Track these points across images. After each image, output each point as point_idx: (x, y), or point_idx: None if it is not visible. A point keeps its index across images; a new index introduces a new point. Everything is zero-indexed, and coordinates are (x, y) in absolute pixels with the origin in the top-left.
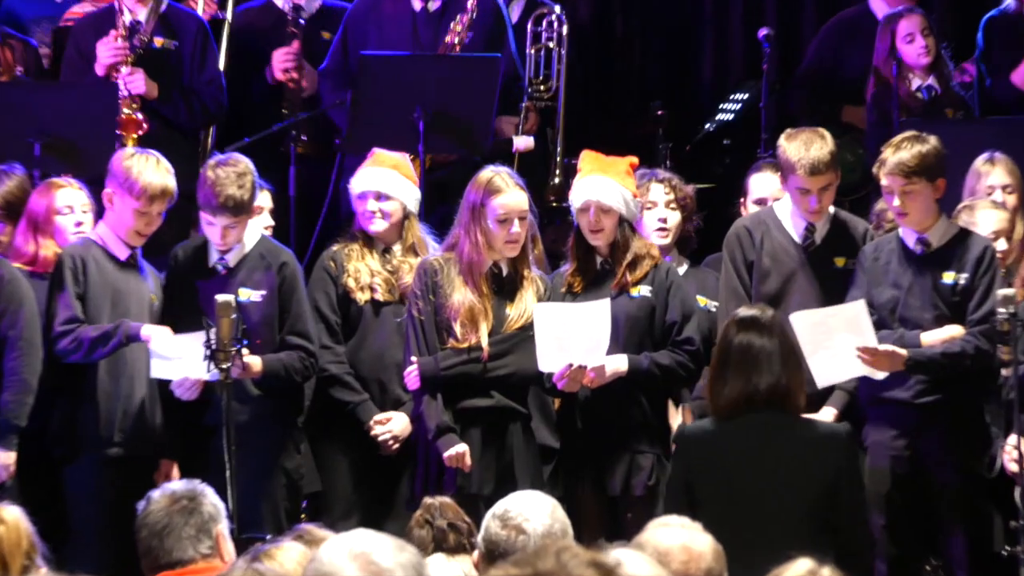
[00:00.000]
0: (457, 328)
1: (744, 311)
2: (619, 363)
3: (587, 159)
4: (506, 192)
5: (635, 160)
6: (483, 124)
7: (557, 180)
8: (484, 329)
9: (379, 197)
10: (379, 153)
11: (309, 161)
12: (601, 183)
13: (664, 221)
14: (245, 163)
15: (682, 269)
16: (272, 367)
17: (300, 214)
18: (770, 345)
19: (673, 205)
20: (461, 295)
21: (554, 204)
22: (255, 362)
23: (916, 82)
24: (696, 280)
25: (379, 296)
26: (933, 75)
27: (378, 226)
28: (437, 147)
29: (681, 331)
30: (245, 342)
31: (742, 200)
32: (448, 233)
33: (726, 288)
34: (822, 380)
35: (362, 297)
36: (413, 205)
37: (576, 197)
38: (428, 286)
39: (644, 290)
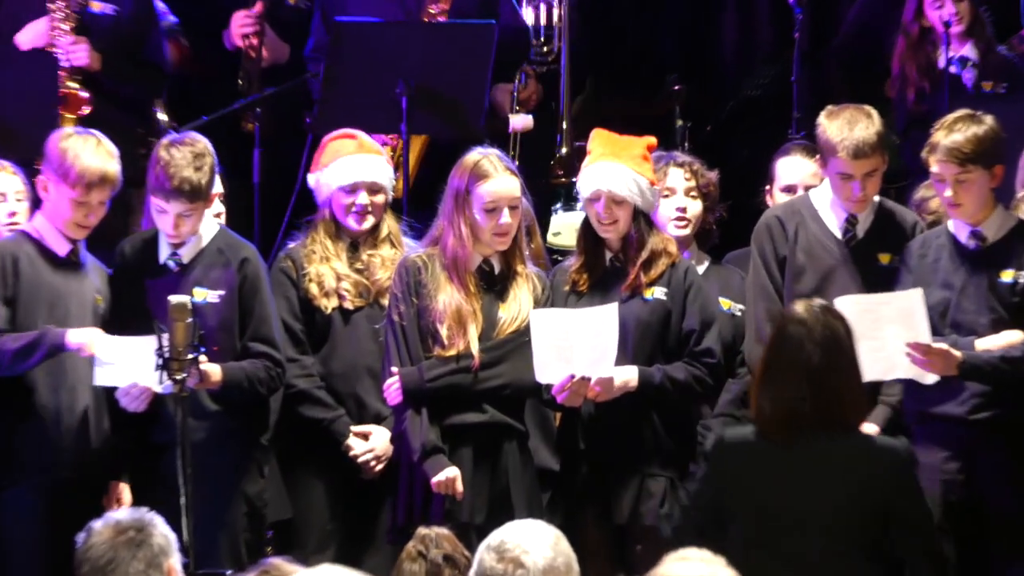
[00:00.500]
0: (443, 332)
1: (794, 309)
2: (628, 375)
3: (598, 140)
4: (494, 177)
5: (653, 141)
6: (475, 101)
7: (565, 151)
8: (473, 333)
9: (372, 190)
10: (363, 138)
11: (274, 143)
12: (613, 170)
13: (683, 211)
14: (203, 143)
15: (702, 267)
16: (234, 377)
17: (265, 204)
18: (822, 349)
19: (694, 193)
20: (447, 295)
21: (562, 180)
22: (214, 371)
23: (948, 52)
24: (718, 279)
25: (348, 303)
26: (970, 43)
27: (368, 223)
28: (422, 126)
29: (700, 341)
30: (202, 349)
31: (768, 188)
32: (429, 229)
33: (754, 288)
34: (863, 375)
35: (328, 305)
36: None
37: (585, 185)
38: (410, 286)
39: (659, 292)
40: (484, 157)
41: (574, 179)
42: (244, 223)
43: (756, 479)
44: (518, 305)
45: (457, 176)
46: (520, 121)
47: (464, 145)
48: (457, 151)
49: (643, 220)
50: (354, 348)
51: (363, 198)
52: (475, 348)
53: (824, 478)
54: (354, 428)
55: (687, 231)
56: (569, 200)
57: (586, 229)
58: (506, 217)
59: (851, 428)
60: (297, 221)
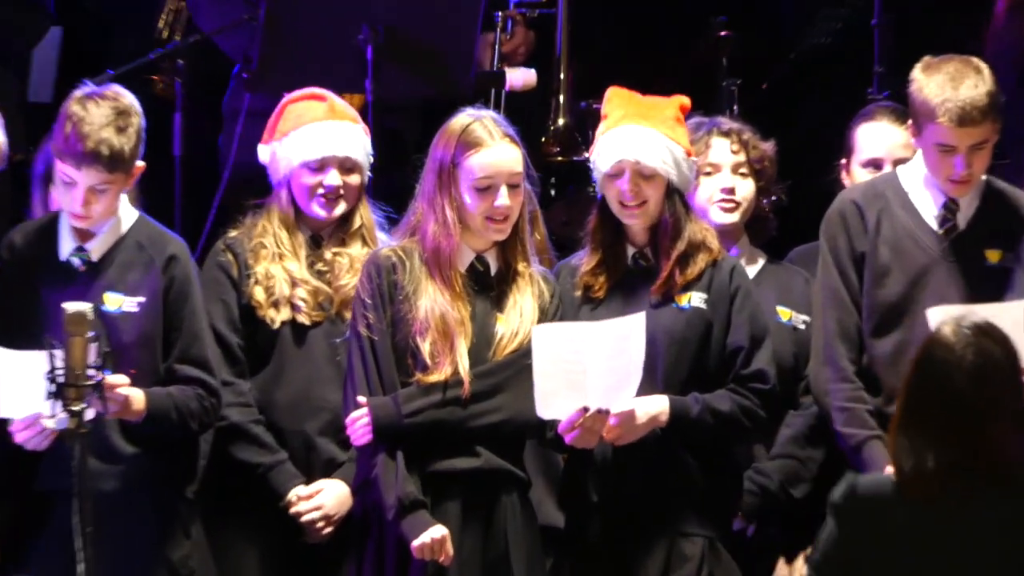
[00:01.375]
0: (425, 348)
1: (939, 331)
2: (656, 407)
3: (617, 100)
4: (489, 146)
5: (686, 101)
6: (461, 50)
7: (561, 122)
8: (463, 349)
9: (345, 168)
10: (335, 101)
11: (200, 106)
12: (640, 136)
13: (730, 192)
14: (128, 100)
15: (755, 267)
16: (159, 407)
17: (187, 185)
18: (976, 383)
19: (744, 170)
20: (428, 300)
21: (558, 159)
22: (136, 396)
23: None
24: (776, 283)
25: (303, 316)
26: None
27: (339, 210)
28: (393, 84)
29: (749, 361)
30: (106, 372)
31: (844, 162)
32: (407, 212)
33: (823, 294)
34: None
35: (276, 317)
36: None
37: (602, 157)
38: (383, 290)
39: (697, 298)
40: (476, 120)
41: (574, 157)
42: (160, 208)
43: (899, 546)
44: (520, 316)
45: (441, 145)
46: (520, 76)
47: (447, 108)
48: (438, 116)
49: (678, 201)
50: (306, 373)
51: (333, 178)
52: (464, 370)
53: (986, 547)
54: (300, 491)
55: (735, 218)
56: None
57: (603, 216)
58: (504, 198)
59: (1021, 483)
60: (241, 205)
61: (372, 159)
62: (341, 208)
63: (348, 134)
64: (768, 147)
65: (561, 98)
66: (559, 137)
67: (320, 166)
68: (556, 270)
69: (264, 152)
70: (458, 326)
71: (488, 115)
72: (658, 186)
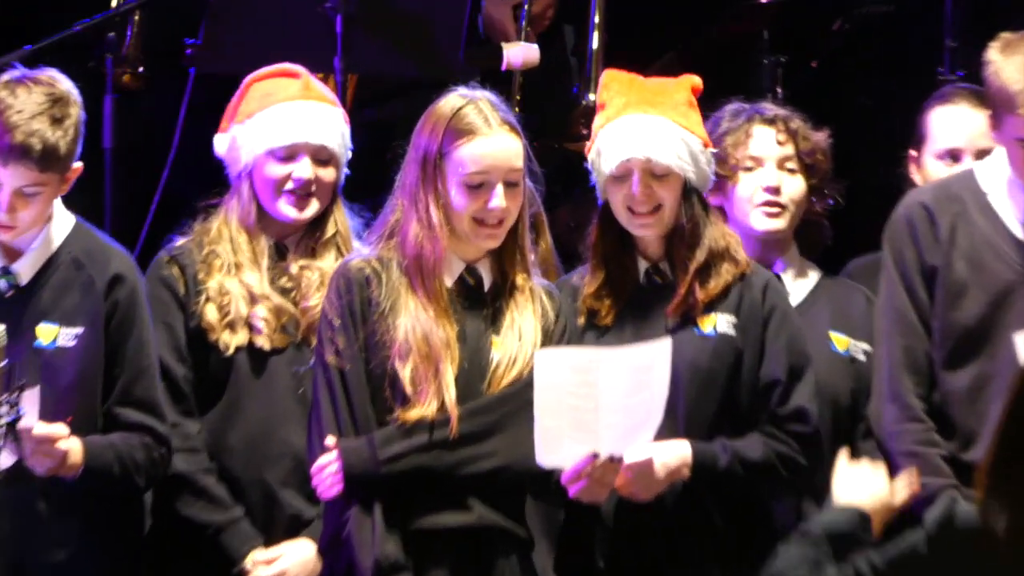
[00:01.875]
0: (406, 377)
1: None
2: (677, 457)
3: (616, 85)
4: (484, 135)
5: (697, 81)
6: (449, 20)
7: (592, 97)
8: (450, 379)
9: (319, 159)
10: (309, 79)
11: (139, 88)
12: (648, 126)
13: (776, 191)
14: (65, 87)
15: (806, 283)
16: (99, 459)
17: (120, 182)
18: None
19: (792, 165)
20: (409, 317)
21: (587, 141)
22: (73, 449)
23: None
24: (831, 302)
25: (263, 340)
26: None
27: (310, 211)
28: (367, 60)
29: (787, 397)
30: (21, 411)
31: (914, 154)
32: (382, 209)
33: (887, 317)
34: None
35: (231, 342)
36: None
37: (604, 155)
38: (354, 309)
39: (724, 322)
40: (469, 103)
41: None
42: (87, 211)
43: None
44: (519, 339)
45: (427, 131)
46: (519, 52)
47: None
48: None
49: (697, 202)
50: (266, 411)
51: (304, 169)
52: (452, 404)
53: None
54: (258, 555)
55: (781, 224)
56: None
57: (606, 225)
58: (499, 198)
59: None
60: (189, 206)
61: (351, 153)
62: (313, 208)
63: (325, 118)
64: (821, 137)
65: (591, 64)
66: (587, 115)
67: (290, 154)
68: (558, 284)
69: (222, 141)
70: (444, 349)
71: (484, 97)
72: (673, 186)
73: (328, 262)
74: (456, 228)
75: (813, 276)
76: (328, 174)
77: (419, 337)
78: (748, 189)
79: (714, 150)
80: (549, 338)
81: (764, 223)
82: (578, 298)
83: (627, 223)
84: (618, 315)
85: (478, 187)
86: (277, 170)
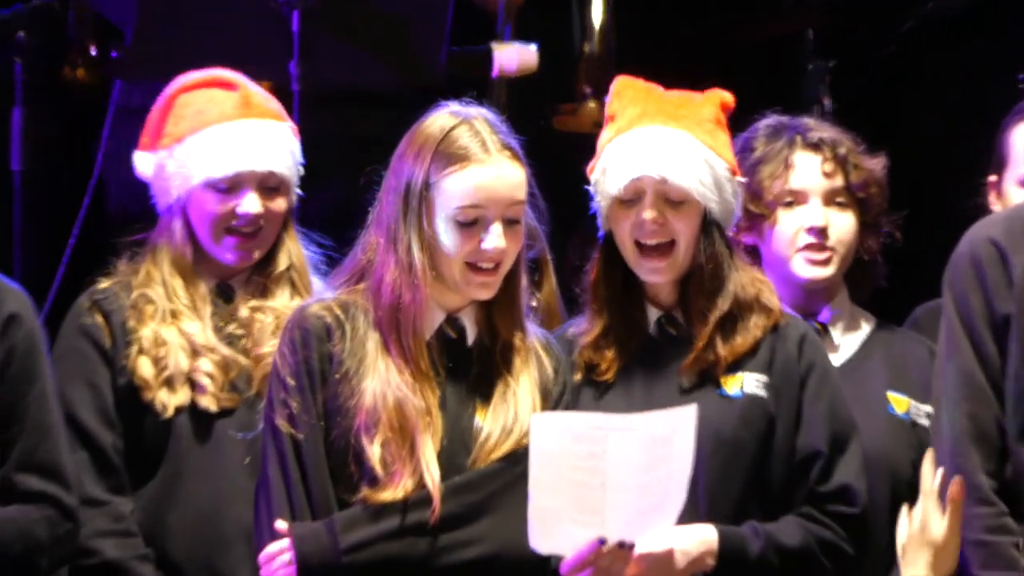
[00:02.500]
0: (374, 454)
1: None
2: (700, 544)
3: (630, 94)
4: (481, 162)
5: (728, 98)
6: (430, 18)
7: (598, 49)
8: (430, 455)
9: (266, 188)
10: (250, 89)
11: (50, 97)
12: (666, 141)
13: (821, 234)
14: None
15: (858, 335)
16: None
17: (31, 210)
18: None
19: (842, 199)
20: (380, 382)
21: (590, 104)
22: None
23: None
24: (888, 357)
25: (207, 400)
26: None
27: (260, 250)
28: (328, 68)
29: (829, 473)
30: None
31: (993, 179)
32: (351, 251)
33: (949, 377)
34: None
35: (169, 402)
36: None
37: (610, 173)
38: (311, 367)
39: (753, 382)
40: (463, 123)
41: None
42: None
43: None
44: (512, 406)
45: (411, 155)
46: (514, 56)
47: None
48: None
49: (718, 239)
50: (212, 484)
51: (252, 204)
52: (433, 482)
53: None
54: None
55: (829, 271)
56: None
57: (609, 262)
58: (496, 237)
59: None
60: (113, 243)
61: (302, 170)
62: (262, 247)
63: (270, 139)
64: (876, 165)
65: (597, 20)
66: (592, 68)
67: (231, 186)
68: (555, 335)
69: (145, 162)
70: (422, 420)
71: (480, 115)
72: (691, 217)
73: (283, 300)
74: (443, 274)
75: (866, 327)
76: (278, 205)
77: (391, 406)
78: (789, 230)
79: (742, 179)
80: (548, 399)
81: (808, 271)
82: (575, 350)
83: (634, 264)
84: (622, 371)
85: (471, 224)
86: (217, 206)
